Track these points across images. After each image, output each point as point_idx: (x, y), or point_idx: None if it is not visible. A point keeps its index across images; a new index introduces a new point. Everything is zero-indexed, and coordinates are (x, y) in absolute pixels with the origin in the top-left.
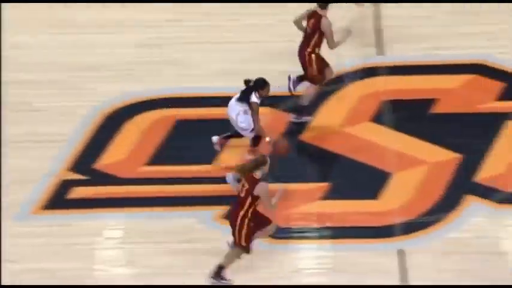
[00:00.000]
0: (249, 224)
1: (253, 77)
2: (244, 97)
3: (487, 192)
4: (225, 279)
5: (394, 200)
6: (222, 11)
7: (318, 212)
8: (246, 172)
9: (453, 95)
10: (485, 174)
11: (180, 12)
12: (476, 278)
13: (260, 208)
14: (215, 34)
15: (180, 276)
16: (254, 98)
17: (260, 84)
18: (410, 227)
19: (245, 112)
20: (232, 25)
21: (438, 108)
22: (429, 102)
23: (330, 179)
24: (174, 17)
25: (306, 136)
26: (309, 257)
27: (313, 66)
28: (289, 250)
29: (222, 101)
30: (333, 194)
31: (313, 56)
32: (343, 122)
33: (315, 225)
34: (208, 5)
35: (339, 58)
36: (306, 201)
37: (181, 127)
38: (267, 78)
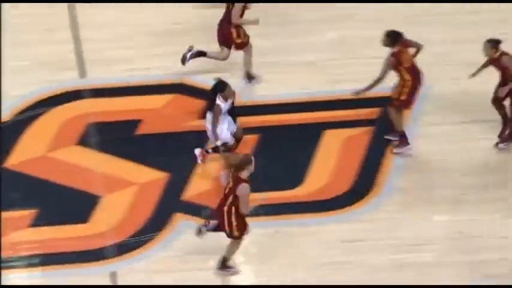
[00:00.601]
0: (236, 216)
1: None
2: (211, 105)
3: (194, 210)
4: (232, 268)
5: (104, 223)
6: None
7: (27, 240)
8: (232, 169)
9: (156, 115)
10: (191, 192)
11: None
12: None
13: None
14: None
15: None
16: (218, 101)
17: (219, 87)
18: (122, 249)
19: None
20: None
21: (143, 129)
22: (133, 123)
23: (38, 206)
24: None
25: (10, 163)
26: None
27: (241, 36)
28: None
29: None
30: (41, 221)
31: (239, 28)
32: (48, 147)
33: (25, 253)
34: None
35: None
36: (15, 229)
37: None
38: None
